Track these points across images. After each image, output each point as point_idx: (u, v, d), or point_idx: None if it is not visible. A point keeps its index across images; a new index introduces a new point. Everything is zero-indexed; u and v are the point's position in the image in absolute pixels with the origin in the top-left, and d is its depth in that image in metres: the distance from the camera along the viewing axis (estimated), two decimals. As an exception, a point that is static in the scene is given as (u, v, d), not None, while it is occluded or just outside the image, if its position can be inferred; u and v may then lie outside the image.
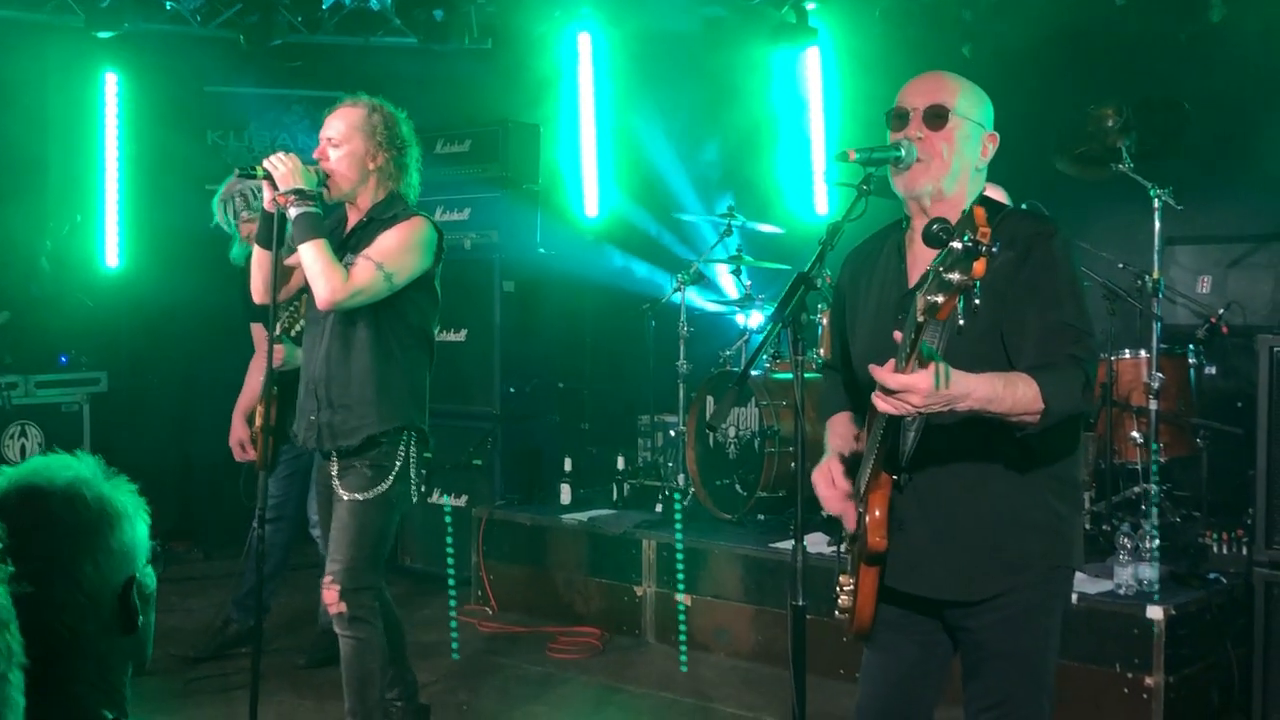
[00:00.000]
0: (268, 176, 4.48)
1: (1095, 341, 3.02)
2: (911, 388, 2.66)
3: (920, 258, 3.12)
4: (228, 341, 7.04)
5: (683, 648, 6.47)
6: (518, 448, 8.04)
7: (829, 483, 3.22)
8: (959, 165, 3.11)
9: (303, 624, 6.75)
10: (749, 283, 7.67)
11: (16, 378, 7.93)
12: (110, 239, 8.92)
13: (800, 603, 3.07)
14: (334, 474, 4.70)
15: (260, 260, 4.67)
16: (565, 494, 7.59)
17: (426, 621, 6.96)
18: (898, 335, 2.70)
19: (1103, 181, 6.59)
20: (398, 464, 4.66)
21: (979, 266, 2.40)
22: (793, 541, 3.08)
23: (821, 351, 6.91)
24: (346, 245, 4.67)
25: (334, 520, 4.70)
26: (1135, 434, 6.42)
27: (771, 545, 6.52)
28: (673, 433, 7.77)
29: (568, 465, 7.67)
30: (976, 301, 2.45)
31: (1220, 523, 6.29)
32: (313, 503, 6.01)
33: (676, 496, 6.94)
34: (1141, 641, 5.20)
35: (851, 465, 3.25)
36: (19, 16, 8.34)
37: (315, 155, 4.67)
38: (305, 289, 4.63)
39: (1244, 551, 5.88)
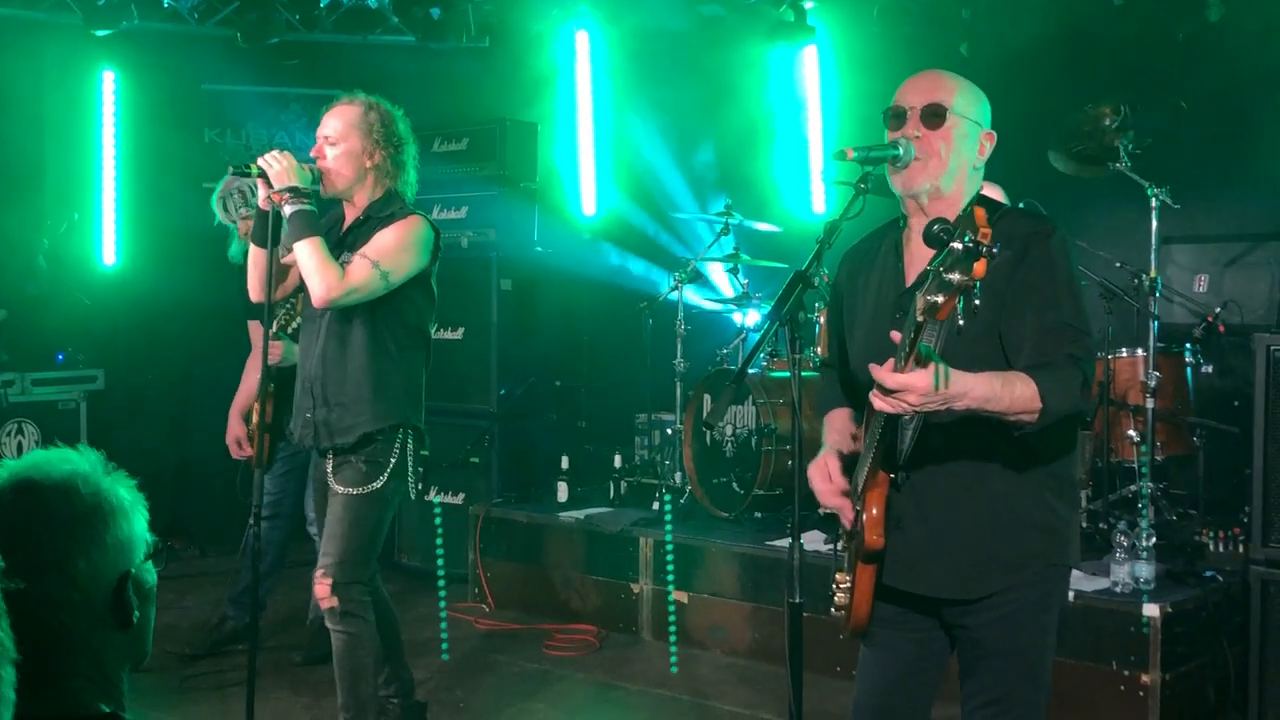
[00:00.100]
0: (262, 174, 4.49)
1: (1093, 341, 3.02)
2: (909, 387, 2.67)
3: (918, 256, 3.13)
4: (225, 339, 7.04)
5: (673, 646, 6.47)
6: (515, 446, 8.04)
7: (825, 477, 3.22)
8: (956, 164, 3.11)
9: (299, 621, 6.74)
10: (746, 281, 7.68)
11: (13, 375, 7.92)
12: (107, 237, 8.92)
13: (797, 600, 3.08)
14: (330, 470, 4.70)
15: (256, 258, 4.68)
16: (562, 492, 7.59)
17: (422, 619, 6.96)
18: (895, 335, 2.70)
19: (1100, 180, 6.59)
20: (393, 461, 4.66)
21: (979, 267, 2.40)
22: (790, 539, 3.08)
23: (819, 350, 6.91)
24: (343, 243, 4.67)
25: (327, 514, 4.70)
26: (1132, 432, 6.43)
27: (768, 543, 6.52)
28: (670, 431, 7.78)
29: (565, 463, 7.67)
30: (976, 302, 2.45)
31: (1216, 521, 6.30)
32: (310, 500, 6.01)
33: (668, 497, 6.94)
34: (1138, 639, 5.21)
35: (848, 462, 3.25)
36: (16, 14, 8.34)
37: (312, 153, 4.67)
38: (302, 287, 4.63)
39: (1240, 549, 5.89)
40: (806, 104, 8.85)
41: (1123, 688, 5.23)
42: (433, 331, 4.91)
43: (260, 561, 4.87)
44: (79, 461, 2.02)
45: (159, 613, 2.15)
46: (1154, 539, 5.54)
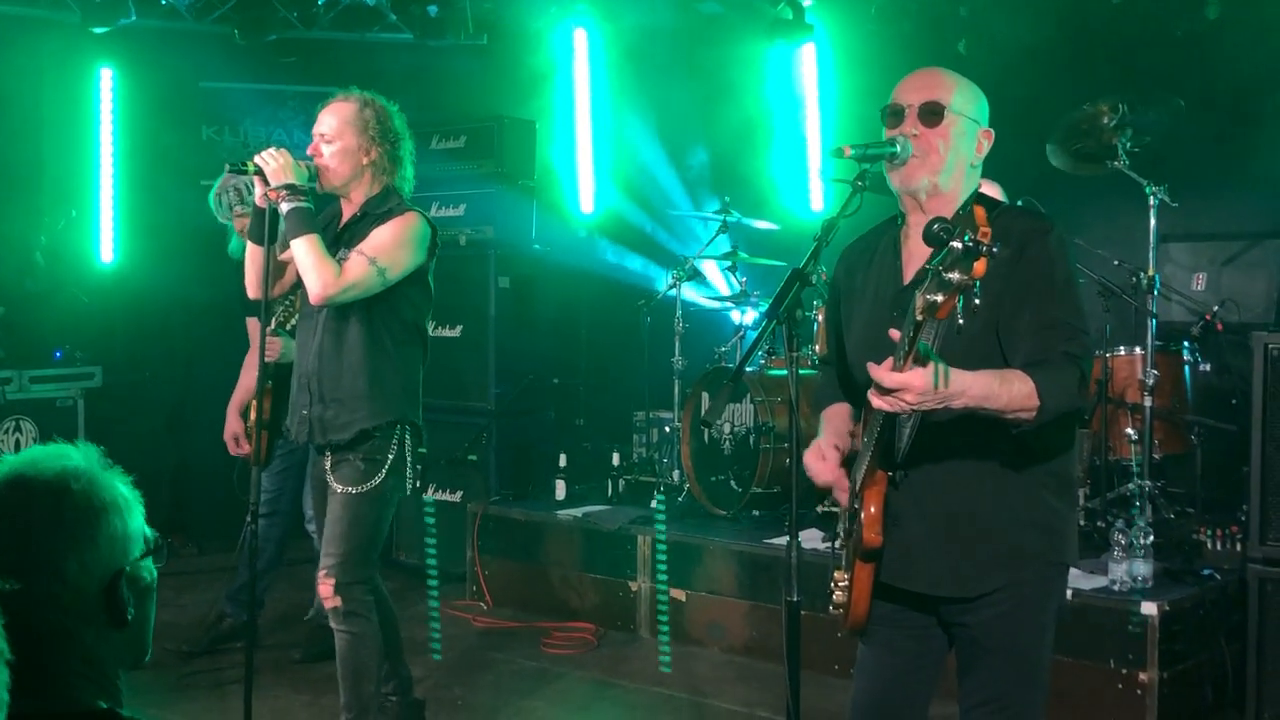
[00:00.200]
0: (259, 172, 4.49)
1: (1090, 339, 3.02)
2: (907, 385, 2.67)
3: (915, 254, 3.13)
4: (222, 336, 7.03)
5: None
6: (513, 443, 8.04)
7: (819, 457, 3.22)
8: (954, 161, 3.12)
9: (298, 619, 6.75)
10: (744, 279, 7.68)
11: (11, 373, 7.91)
12: (105, 234, 8.91)
13: (795, 598, 3.08)
14: (328, 468, 4.70)
15: (254, 255, 4.68)
16: (560, 490, 7.59)
17: (421, 617, 6.96)
18: (894, 333, 2.70)
19: (1098, 178, 6.59)
20: (390, 457, 4.66)
21: (979, 266, 2.40)
22: (787, 537, 3.08)
23: (817, 348, 6.91)
24: (340, 240, 4.66)
25: (328, 514, 4.70)
26: (1130, 430, 6.44)
27: (766, 541, 6.52)
28: (668, 429, 7.78)
29: (563, 461, 7.67)
30: (976, 301, 2.45)
31: (1214, 519, 6.31)
32: (308, 498, 6.01)
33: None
34: (1136, 637, 5.21)
35: (846, 458, 3.25)
36: (14, 12, 8.33)
37: (309, 151, 4.67)
38: (300, 284, 4.63)
39: (1238, 548, 5.90)
40: (804, 102, 8.85)
41: (1120, 686, 5.23)
42: (430, 328, 4.91)
43: (258, 559, 4.87)
44: (74, 458, 2.01)
45: (157, 610, 2.15)
46: (1152, 537, 5.54)
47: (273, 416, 5.53)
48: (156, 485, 8.45)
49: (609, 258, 9.20)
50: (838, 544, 3.30)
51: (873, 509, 3.01)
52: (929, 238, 2.48)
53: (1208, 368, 6.74)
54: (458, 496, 7.90)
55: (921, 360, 2.66)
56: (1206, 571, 5.66)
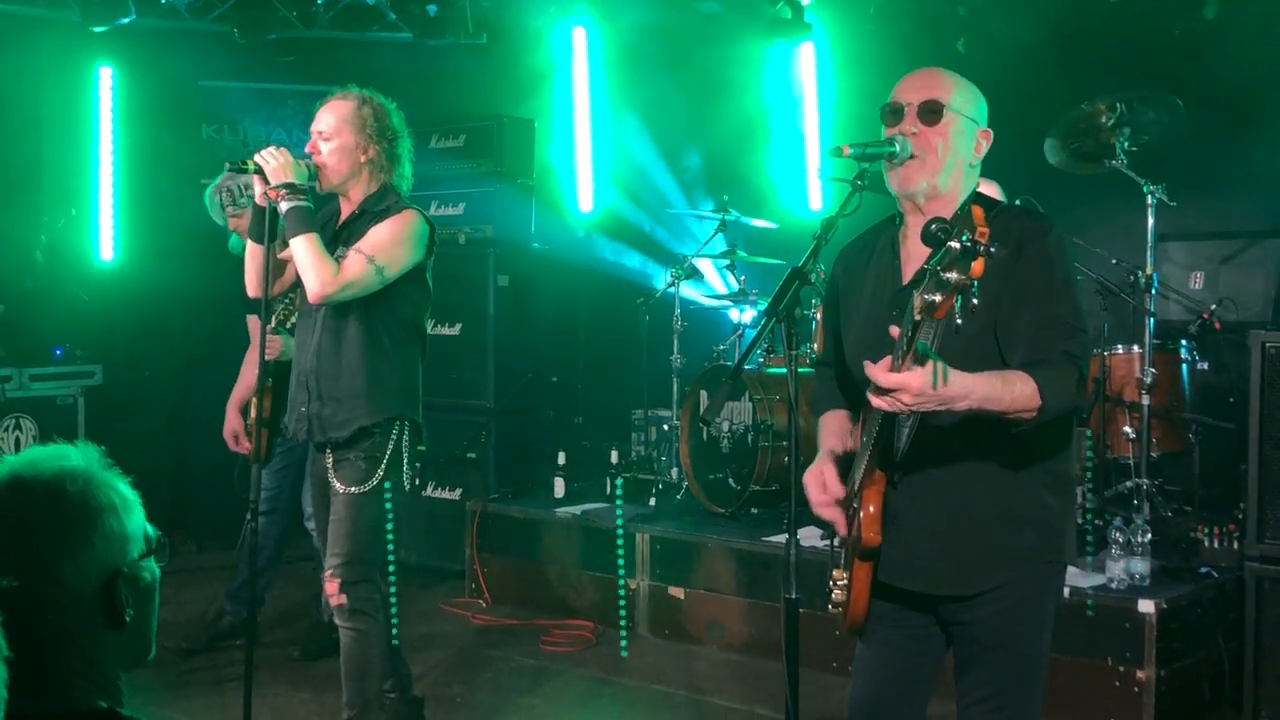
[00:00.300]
0: (259, 171, 4.49)
1: (1088, 337, 3.03)
2: (904, 385, 2.67)
3: (914, 254, 3.13)
4: (222, 334, 7.04)
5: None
6: (512, 441, 8.05)
7: (820, 487, 3.21)
8: (953, 161, 3.12)
9: (297, 616, 6.76)
10: (743, 277, 7.68)
11: (11, 371, 7.92)
12: (105, 233, 8.91)
13: (793, 596, 3.08)
14: (329, 467, 4.71)
15: (253, 254, 4.69)
16: (559, 488, 7.59)
17: (419, 614, 6.97)
18: (895, 330, 2.70)
19: (1097, 177, 6.60)
20: (390, 455, 4.67)
21: (977, 266, 2.41)
22: (786, 535, 3.09)
23: (815, 346, 6.92)
24: (338, 238, 4.67)
25: (331, 514, 4.71)
26: (1128, 429, 6.45)
27: (764, 539, 6.53)
28: (666, 427, 7.78)
29: (561, 459, 7.67)
30: (975, 301, 2.46)
31: (1212, 517, 6.31)
32: (307, 495, 6.02)
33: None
34: (1133, 635, 5.22)
35: (844, 466, 3.25)
36: (14, 10, 8.33)
37: (307, 149, 4.67)
38: (299, 282, 4.63)
39: (1235, 546, 5.90)
40: (803, 100, 8.85)
41: (1118, 683, 5.24)
42: (429, 327, 4.92)
43: (257, 556, 4.88)
44: (73, 459, 2.01)
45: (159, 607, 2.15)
46: (1149, 535, 5.55)
47: (273, 414, 5.54)
48: (156, 483, 8.46)
49: (608, 256, 9.21)
50: (836, 542, 3.31)
51: (871, 508, 3.02)
52: (927, 238, 2.48)
53: (1205, 366, 6.75)
54: (457, 494, 7.91)
55: (920, 360, 2.66)
56: (1204, 569, 5.66)
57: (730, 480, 7.07)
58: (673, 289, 7.62)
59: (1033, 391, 2.82)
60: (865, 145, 3.08)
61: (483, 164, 8.33)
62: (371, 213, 4.66)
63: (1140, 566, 5.44)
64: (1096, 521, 6.15)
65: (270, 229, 4.52)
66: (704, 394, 7.21)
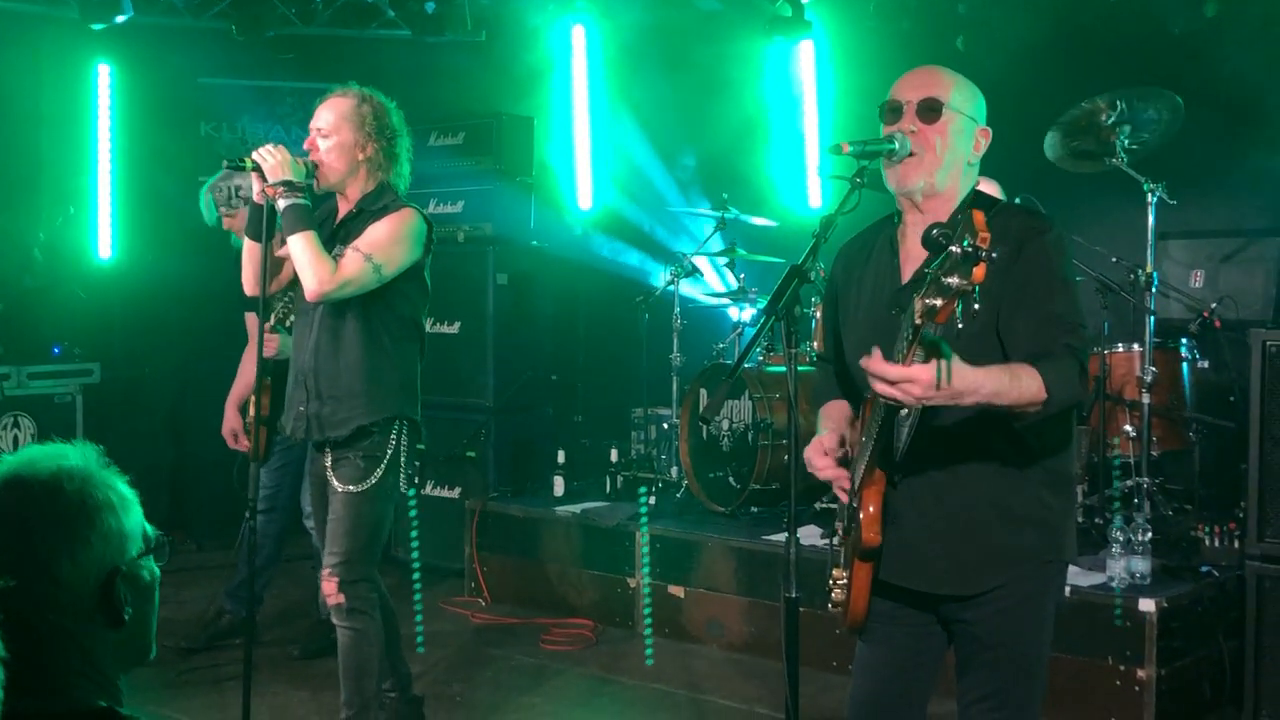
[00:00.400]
0: (257, 168, 4.48)
1: (1087, 333, 3.03)
2: (914, 378, 2.65)
3: (913, 252, 3.13)
4: (221, 332, 7.03)
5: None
6: (511, 440, 8.04)
7: (820, 453, 3.21)
8: (951, 159, 3.12)
9: (296, 615, 6.75)
10: (743, 276, 7.68)
11: (9, 369, 7.91)
12: (103, 231, 8.90)
13: (793, 595, 3.08)
14: (328, 465, 4.70)
15: (251, 252, 4.68)
16: (558, 486, 7.59)
17: (416, 612, 6.96)
18: (878, 354, 2.70)
19: (1096, 175, 6.59)
20: (389, 454, 4.66)
21: (979, 272, 2.40)
22: (786, 534, 3.08)
23: (815, 345, 6.91)
24: (336, 236, 4.66)
25: (329, 513, 4.70)
26: (1128, 427, 6.44)
27: (764, 537, 6.52)
28: (666, 425, 7.78)
29: (561, 457, 7.67)
30: (976, 306, 2.45)
31: (1212, 516, 6.30)
32: (306, 494, 6.01)
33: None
34: (1133, 634, 5.22)
35: (843, 459, 3.24)
36: (12, 8, 8.32)
37: (305, 146, 4.67)
38: (298, 280, 4.62)
39: (1236, 545, 5.89)
40: (803, 98, 8.85)
41: (1118, 682, 5.23)
42: (428, 325, 4.91)
43: (257, 555, 4.87)
44: (71, 458, 2.01)
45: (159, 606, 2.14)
46: (1150, 534, 5.54)
47: (271, 412, 5.53)
48: (155, 481, 8.45)
49: (607, 254, 9.19)
50: (836, 541, 3.31)
51: (871, 508, 3.02)
52: (928, 243, 2.47)
53: (1206, 365, 6.75)
54: (456, 493, 7.90)
55: (931, 352, 2.64)
56: (1204, 568, 5.66)
57: (730, 479, 7.07)
58: (672, 287, 7.61)
59: (1039, 385, 2.82)
60: (864, 143, 3.08)
61: (482, 162, 8.32)
62: (369, 211, 4.66)
63: (1141, 565, 5.44)
64: (1097, 520, 6.14)
65: (268, 227, 4.51)
66: (704, 392, 7.20)
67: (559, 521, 7.25)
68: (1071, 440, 3.20)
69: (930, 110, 3.09)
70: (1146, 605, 5.21)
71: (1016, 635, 3.13)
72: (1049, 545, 3.14)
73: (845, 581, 3.17)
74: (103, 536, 1.98)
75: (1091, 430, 6.46)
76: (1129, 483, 6.37)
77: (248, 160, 4.50)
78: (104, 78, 8.84)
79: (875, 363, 2.68)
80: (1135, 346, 6.47)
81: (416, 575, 6.96)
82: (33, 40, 8.55)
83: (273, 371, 5.57)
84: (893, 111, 3.14)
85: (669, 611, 6.71)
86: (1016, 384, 2.80)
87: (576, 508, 7.27)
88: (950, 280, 2.41)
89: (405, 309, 4.73)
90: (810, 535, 6.17)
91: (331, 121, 4.64)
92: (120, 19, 8.13)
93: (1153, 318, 6.25)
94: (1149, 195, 6.21)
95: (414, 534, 7.12)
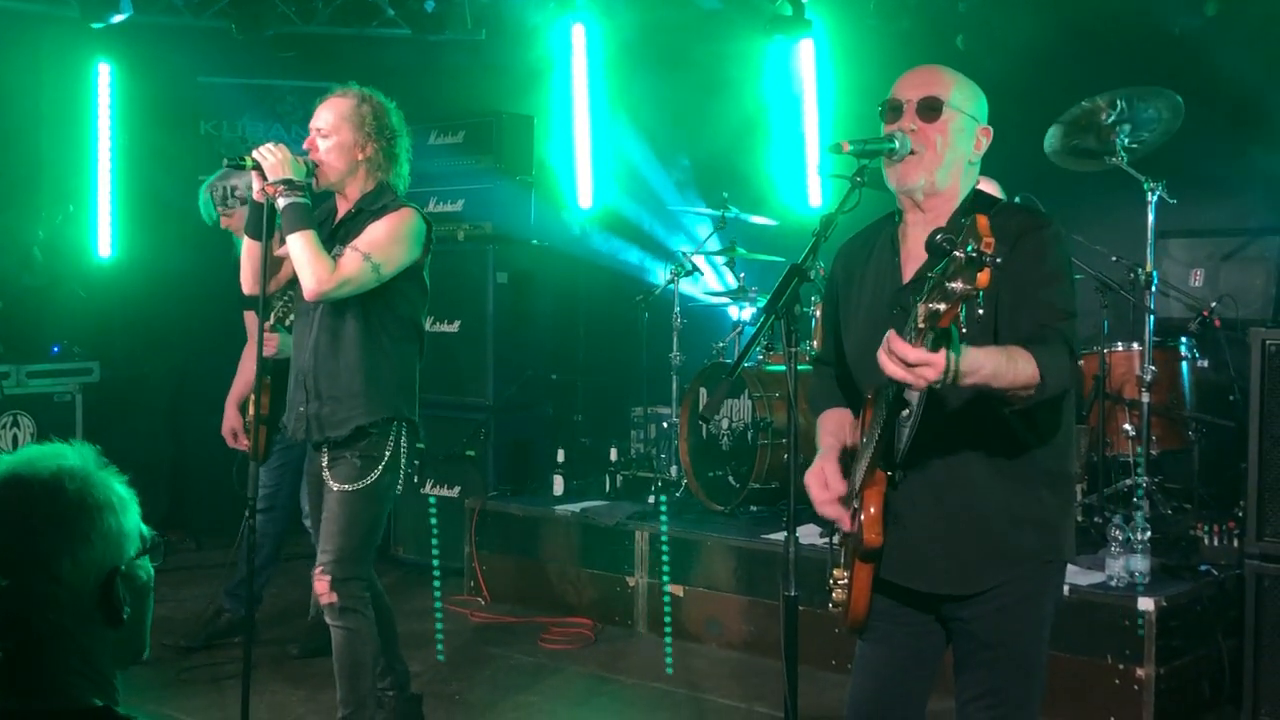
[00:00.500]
0: (257, 167, 4.48)
1: (1077, 323, 3.02)
2: (931, 362, 2.62)
3: (914, 251, 3.13)
4: (221, 331, 7.03)
5: (668, 642, 6.47)
6: (511, 439, 8.04)
7: (822, 485, 3.19)
8: (952, 158, 3.11)
9: (295, 614, 6.75)
10: (743, 275, 7.68)
11: (9, 368, 7.91)
12: (103, 229, 8.91)
13: (793, 594, 3.08)
14: (324, 464, 4.70)
15: (250, 251, 4.67)
16: (558, 485, 7.59)
17: (418, 612, 6.96)
18: (893, 334, 2.68)
19: (1096, 174, 6.59)
20: (387, 454, 4.66)
21: (983, 277, 2.39)
22: (785, 533, 3.08)
23: (815, 343, 6.91)
24: (335, 236, 4.66)
25: (324, 511, 4.70)
26: (1127, 426, 6.44)
27: (764, 536, 6.53)
28: (666, 424, 7.78)
29: (560, 456, 7.67)
30: (980, 311, 2.45)
31: (1211, 515, 6.29)
32: (305, 493, 6.01)
33: (663, 497, 6.91)
34: (1133, 633, 5.22)
35: (844, 462, 3.24)
36: (13, 6, 8.32)
37: (305, 146, 4.67)
38: (297, 280, 4.62)
39: (1235, 544, 5.88)
40: (803, 97, 8.85)
41: (1117, 681, 5.23)
42: (427, 324, 4.91)
43: (256, 554, 4.86)
44: (69, 458, 2.01)
45: (154, 606, 2.15)
46: (1149, 533, 5.54)
47: (271, 412, 5.53)
48: (155, 480, 8.46)
49: (607, 253, 9.19)
50: (835, 540, 3.30)
51: (872, 509, 3.01)
52: (932, 247, 2.46)
53: (1205, 364, 6.75)
54: (455, 492, 7.90)
55: (941, 340, 2.62)
56: (1204, 567, 5.66)
57: (729, 478, 7.07)
58: (672, 286, 7.61)
59: (1034, 368, 2.81)
60: (865, 141, 3.08)
61: (482, 160, 8.32)
62: (368, 211, 4.65)
63: (1140, 565, 5.43)
64: (1096, 519, 6.14)
65: (268, 225, 4.51)
66: (703, 391, 7.20)
67: (558, 520, 7.25)
68: (1071, 440, 3.20)
69: (930, 109, 3.09)
70: (1146, 604, 5.21)
71: (1015, 634, 3.13)
72: (1049, 545, 3.14)
73: (846, 581, 3.16)
74: (103, 536, 1.98)
75: (1091, 429, 6.46)
76: (1128, 482, 6.37)
77: (248, 159, 4.50)
78: (104, 76, 8.85)
79: (897, 343, 2.64)
80: (1135, 345, 6.48)
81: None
82: (33, 39, 8.55)
83: (272, 371, 5.57)
84: (893, 110, 3.14)
85: (668, 610, 6.71)
86: (1013, 365, 2.80)
87: (576, 507, 7.27)
88: (954, 285, 2.41)
89: (404, 309, 4.73)
90: (809, 534, 6.14)
91: (331, 121, 4.64)
92: (120, 18, 8.14)
93: (1152, 317, 6.26)
94: (1149, 194, 6.21)
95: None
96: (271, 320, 5.81)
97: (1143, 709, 5.17)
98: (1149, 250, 6.27)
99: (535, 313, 8.38)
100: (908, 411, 2.86)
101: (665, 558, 6.70)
